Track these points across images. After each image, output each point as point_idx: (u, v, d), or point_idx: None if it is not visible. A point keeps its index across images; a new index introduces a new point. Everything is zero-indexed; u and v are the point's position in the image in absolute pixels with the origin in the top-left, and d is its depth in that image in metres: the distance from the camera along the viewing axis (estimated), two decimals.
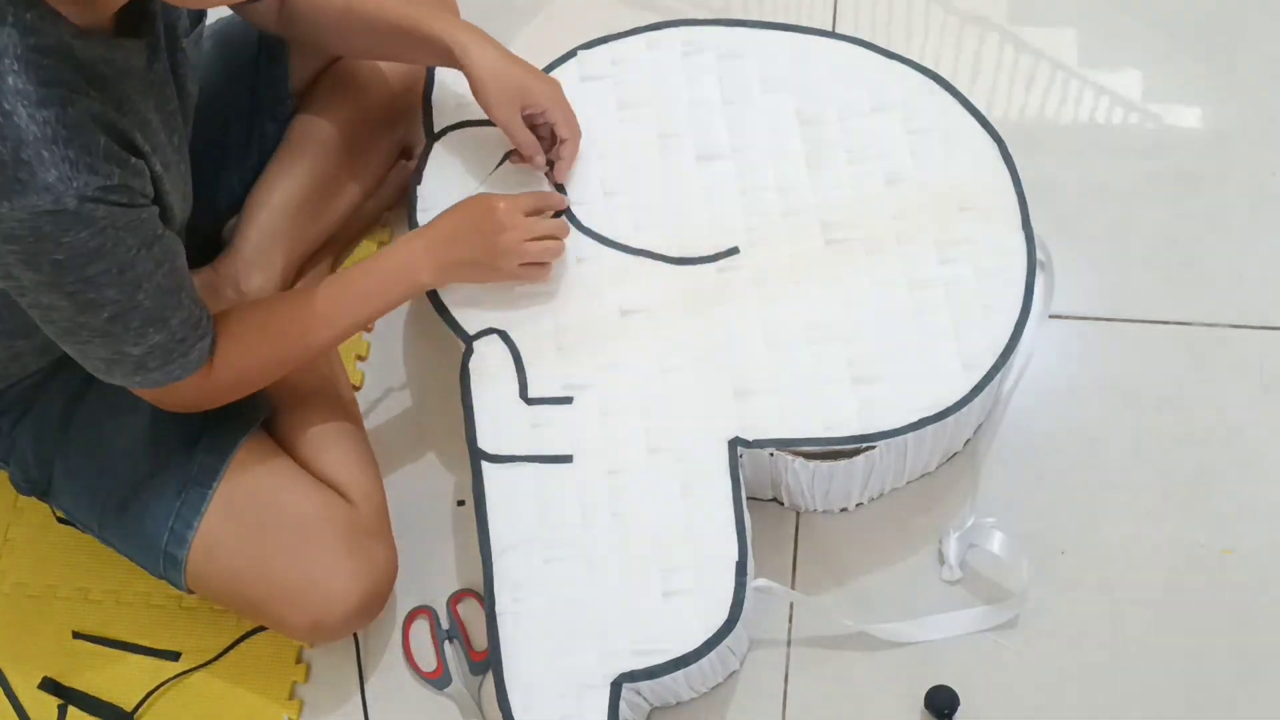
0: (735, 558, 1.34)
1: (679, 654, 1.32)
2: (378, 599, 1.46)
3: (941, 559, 1.49)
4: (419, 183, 1.55)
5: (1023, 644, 1.45)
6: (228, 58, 1.59)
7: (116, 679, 1.56)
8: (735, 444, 1.38)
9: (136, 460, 1.42)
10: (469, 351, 1.46)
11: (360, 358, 1.69)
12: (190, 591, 1.45)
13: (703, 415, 1.40)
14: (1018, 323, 1.40)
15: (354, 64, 1.65)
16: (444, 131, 1.57)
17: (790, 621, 1.49)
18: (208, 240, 1.63)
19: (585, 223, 1.51)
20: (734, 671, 1.47)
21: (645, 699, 1.40)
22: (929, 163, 1.48)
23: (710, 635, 1.32)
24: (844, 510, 1.53)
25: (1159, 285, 1.61)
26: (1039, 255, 1.56)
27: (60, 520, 1.58)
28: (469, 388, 1.45)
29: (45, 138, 1.05)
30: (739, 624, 1.33)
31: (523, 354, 1.46)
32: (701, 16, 1.67)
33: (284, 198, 1.61)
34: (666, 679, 1.33)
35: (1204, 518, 1.49)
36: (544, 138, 1.49)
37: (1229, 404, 1.54)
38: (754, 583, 1.38)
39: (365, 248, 1.76)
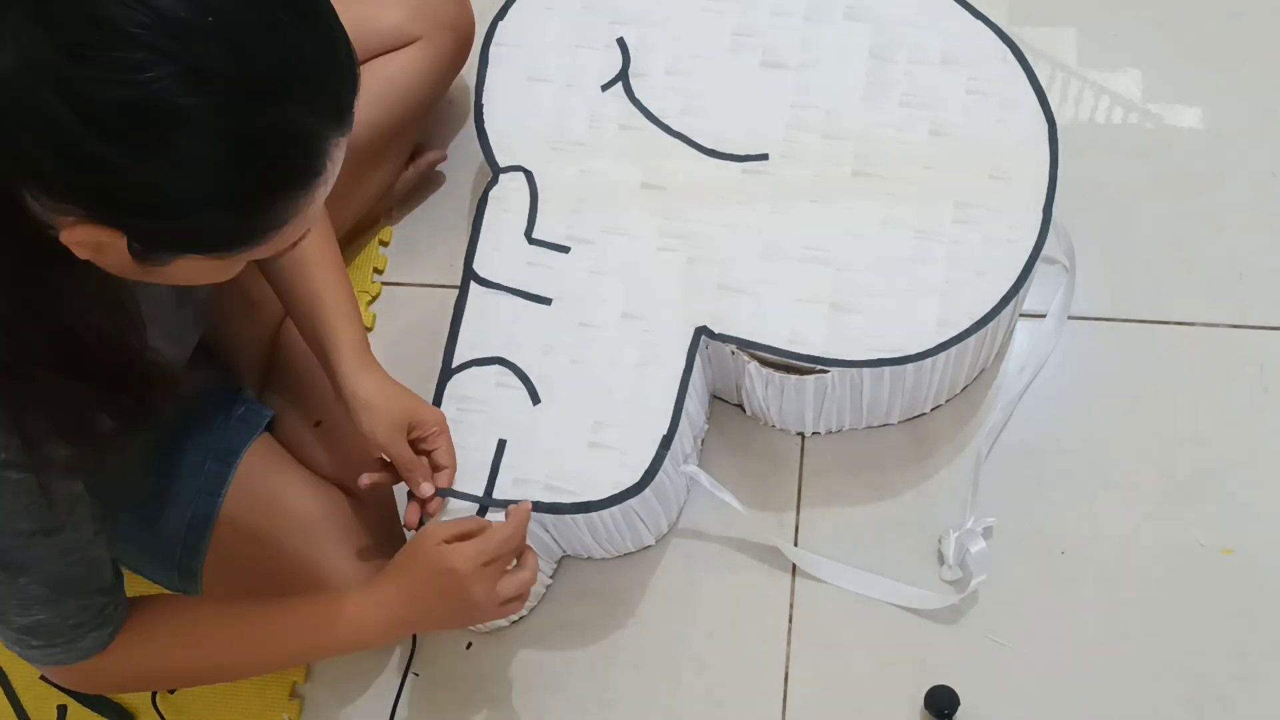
0: (664, 431, 1.41)
1: (583, 499, 1.39)
2: None
3: (941, 559, 1.49)
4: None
5: (1023, 644, 1.45)
6: None
7: None
8: (701, 331, 1.45)
9: (147, 473, 1.42)
10: (494, 181, 1.55)
11: None
12: None
13: (681, 297, 1.46)
14: (1004, 296, 1.41)
15: (369, 73, 1.62)
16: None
17: (790, 622, 1.49)
18: None
19: (638, 94, 1.56)
20: (647, 546, 1.55)
21: (553, 538, 1.48)
22: (977, 125, 1.49)
23: (616, 492, 1.39)
24: (800, 434, 1.58)
25: (1159, 285, 1.61)
26: (1063, 260, 1.58)
27: None
28: (482, 213, 1.54)
29: None
30: (648, 491, 1.40)
31: (540, 196, 1.54)
32: None
33: None
34: (569, 520, 1.40)
35: (1204, 518, 1.49)
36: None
37: (1229, 404, 1.54)
38: (684, 467, 1.48)
39: (367, 253, 1.77)
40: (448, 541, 1.26)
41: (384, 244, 1.77)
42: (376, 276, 1.76)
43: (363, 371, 1.35)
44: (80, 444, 1.09)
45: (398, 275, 1.74)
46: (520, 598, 1.31)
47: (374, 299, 1.74)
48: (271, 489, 1.44)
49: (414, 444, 1.37)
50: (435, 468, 1.37)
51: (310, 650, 1.35)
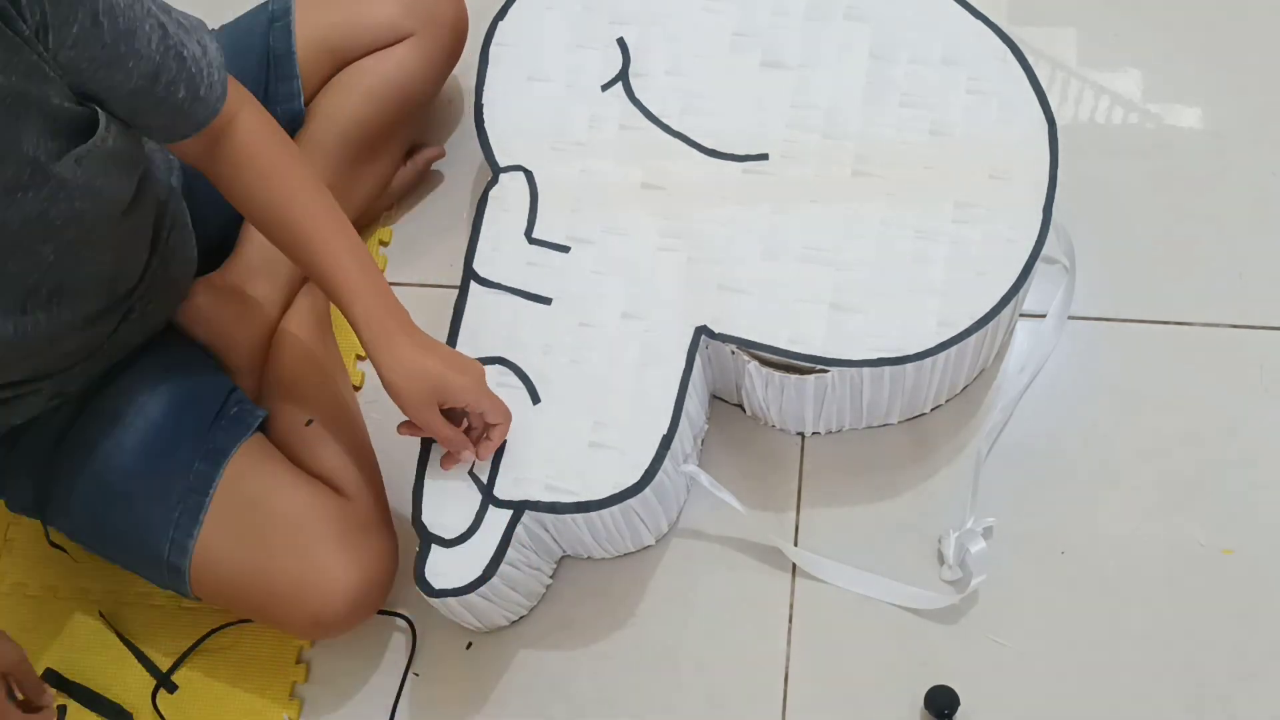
0: (664, 431, 1.41)
1: (583, 499, 1.39)
2: (377, 590, 1.46)
3: (941, 559, 1.49)
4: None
5: (1023, 644, 1.45)
6: (235, 67, 1.58)
7: (116, 679, 1.56)
8: (701, 331, 1.45)
9: (133, 475, 1.42)
10: (494, 181, 1.56)
11: (360, 357, 1.70)
12: (197, 599, 1.45)
13: (681, 297, 1.46)
14: (1004, 296, 1.41)
15: (362, 69, 1.63)
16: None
17: (790, 622, 1.49)
18: (217, 246, 1.61)
19: (638, 94, 1.57)
20: (647, 546, 1.55)
21: (553, 537, 1.48)
22: (977, 125, 1.49)
23: (616, 492, 1.39)
24: (800, 434, 1.57)
25: (1159, 285, 1.61)
26: (1064, 260, 1.59)
27: (53, 545, 1.59)
28: (482, 213, 1.54)
29: None
30: (648, 491, 1.40)
31: (540, 196, 1.54)
32: None
33: None
34: (569, 519, 1.40)
35: (1204, 518, 1.49)
36: (475, 426, 1.40)
37: (1229, 404, 1.54)
38: (684, 467, 1.48)
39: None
40: None
41: (384, 244, 1.77)
42: (382, 249, 1.77)
43: (384, 348, 1.33)
44: None
45: (398, 275, 1.74)
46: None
47: None
48: (260, 489, 1.44)
49: (454, 411, 1.38)
50: (489, 424, 1.39)
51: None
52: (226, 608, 1.54)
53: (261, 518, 1.42)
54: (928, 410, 1.56)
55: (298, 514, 1.43)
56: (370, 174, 1.69)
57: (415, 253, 1.75)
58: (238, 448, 1.45)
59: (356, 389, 1.67)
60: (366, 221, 1.77)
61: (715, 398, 1.59)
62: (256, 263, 1.58)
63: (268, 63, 1.59)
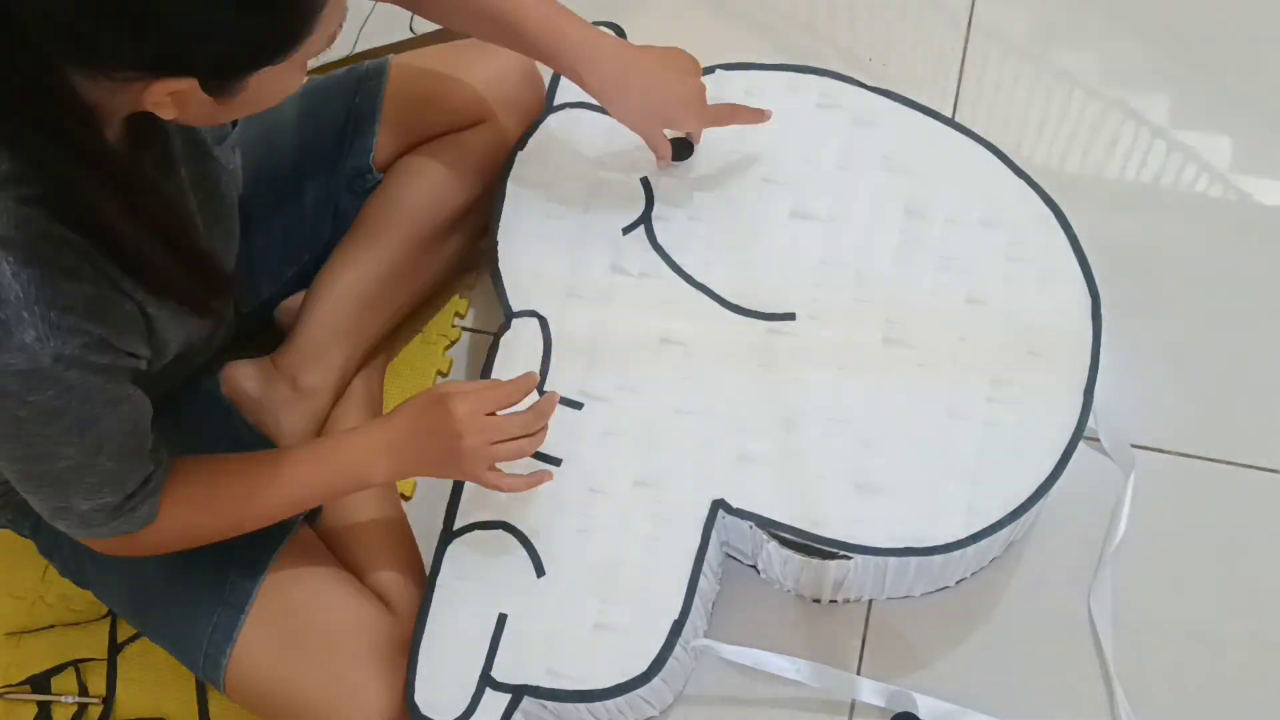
0: (675, 615, 1.34)
1: (585, 688, 1.33)
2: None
3: None
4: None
5: None
6: (313, 125, 1.55)
7: None
8: (718, 505, 1.37)
9: (166, 579, 1.40)
10: (505, 326, 1.49)
11: None
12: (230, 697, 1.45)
13: (698, 466, 1.39)
14: (1039, 487, 1.32)
15: (441, 144, 1.58)
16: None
17: None
18: (266, 311, 1.61)
19: (660, 239, 1.48)
20: (651, 718, 1.46)
21: (550, 712, 1.40)
22: (1016, 295, 1.39)
23: (622, 681, 1.32)
24: (816, 601, 1.49)
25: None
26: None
27: None
28: (492, 361, 1.47)
29: (28, 298, 1.00)
30: (656, 679, 1.33)
31: (554, 347, 1.46)
32: (844, 72, 1.55)
33: (349, 290, 1.55)
34: (569, 706, 1.34)
35: None
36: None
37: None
38: (695, 642, 1.40)
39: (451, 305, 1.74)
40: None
41: (471, 288, 1.75)
42: (458, 321, 1.73)
43: (603, 72, 1.38)
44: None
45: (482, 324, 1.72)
46: (517, 480, 1.31)
47: (452, 344, 1.72)
48: (303, 598, 1.41)
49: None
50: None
51: (321, 490, 1.35)
52: (259, 715, 1.53)
53: (301, 629, 1.39)
54: (952, 584, 1.48)
55: (340, 629, 1.40)
56: (445, 249, 1.64)
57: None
58: (277, 556, 1.41)
59: (406, 498, 1.64)
60: (439, 290, 1.73)
61: (728, 556, 1.51)
62: (310, 350, 1.55)
63: (346, 120, 1.56)
